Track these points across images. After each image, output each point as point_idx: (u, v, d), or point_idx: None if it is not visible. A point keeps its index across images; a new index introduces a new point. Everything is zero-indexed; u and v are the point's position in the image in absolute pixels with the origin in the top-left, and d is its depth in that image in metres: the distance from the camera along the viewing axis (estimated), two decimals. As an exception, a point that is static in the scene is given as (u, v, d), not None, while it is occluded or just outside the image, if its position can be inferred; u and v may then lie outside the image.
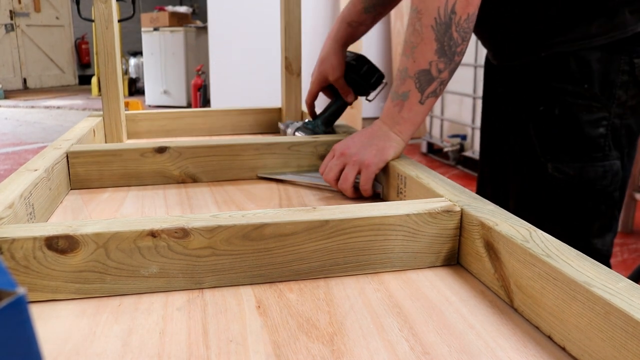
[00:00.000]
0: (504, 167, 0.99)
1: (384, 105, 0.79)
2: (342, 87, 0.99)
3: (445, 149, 3.54)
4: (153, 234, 0.49)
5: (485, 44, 1.00)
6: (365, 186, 0.76)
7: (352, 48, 1.03)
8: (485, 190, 1.07)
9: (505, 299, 0.49)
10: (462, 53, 0.75)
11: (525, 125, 0.90)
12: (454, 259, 0.57)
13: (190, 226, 0.50)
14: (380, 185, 0.79)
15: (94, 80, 7.60)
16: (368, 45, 4.23)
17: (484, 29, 0.94)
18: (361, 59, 0.99)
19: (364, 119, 4.35)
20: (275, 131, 1.30)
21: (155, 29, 6.08)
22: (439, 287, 0.52)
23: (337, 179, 0.78)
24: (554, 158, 0.87)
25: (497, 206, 0.56)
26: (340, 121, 1.09)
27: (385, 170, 0.77)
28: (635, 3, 0.81)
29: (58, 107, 6.48)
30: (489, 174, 1.07)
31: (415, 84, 0.74)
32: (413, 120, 0.76)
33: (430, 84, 0.74)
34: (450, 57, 0.74)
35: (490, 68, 1.04)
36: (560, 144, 0.87)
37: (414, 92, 0.74)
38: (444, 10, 0.71)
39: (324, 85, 1.01)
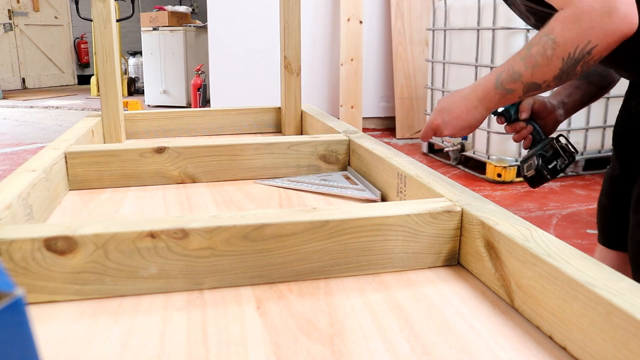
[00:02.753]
0: None
1: (482, 81, 0.89)
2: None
3: (446, 149, 3.52)
4: (152, 234, 0.49)
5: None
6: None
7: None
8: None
9: (505, 299, 0.49)
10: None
11: None
12: (454, 259, 0.57)
13: (190, 227, 0.50)
14: (378, 192, 0.79)
15: (93, 80, 7.58)
16: (368, 44, 4.22)
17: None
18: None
19: (365, 118, 4.35)
20: (275, 131, 1.30)
21: (155, 29, 6.07)
22: (439, 287, 0.52)
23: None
24: None
25: (498, 205, 0.56)
26: (341, 120, 1.09)
27: (386, 170, 0.77)
28: None
29: (57, 107, 6.47)
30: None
31: (522, 89, 0.83)
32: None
33: (532, 92, 0.84)
34: (563, 81, 0.80)
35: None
36: None
37: (519, 92, 0.84)
38: (581, 50, 0.75)
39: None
